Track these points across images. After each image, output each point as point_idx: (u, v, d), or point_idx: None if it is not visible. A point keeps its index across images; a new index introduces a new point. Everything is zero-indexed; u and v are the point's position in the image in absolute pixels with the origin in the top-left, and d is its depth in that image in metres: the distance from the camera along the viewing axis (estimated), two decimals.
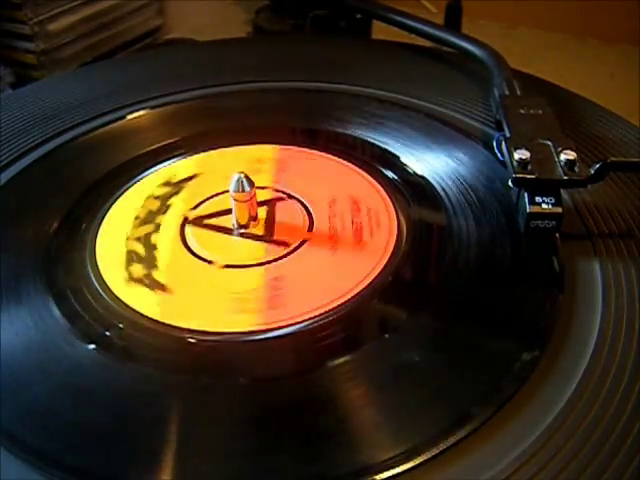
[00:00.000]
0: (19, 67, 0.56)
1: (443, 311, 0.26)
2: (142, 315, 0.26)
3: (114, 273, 0.28)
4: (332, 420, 0.22)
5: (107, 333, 0.25)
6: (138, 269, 0.28)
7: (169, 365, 0.24)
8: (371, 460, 0.21)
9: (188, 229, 0.30)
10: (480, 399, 0.22)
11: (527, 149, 0.29)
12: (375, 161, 0.34)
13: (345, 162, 0.34)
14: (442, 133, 0.36)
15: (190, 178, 0.33)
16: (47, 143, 0.37)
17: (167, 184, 0.33)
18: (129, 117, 0.39)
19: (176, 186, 0.33)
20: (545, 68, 0.46)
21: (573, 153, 0.29)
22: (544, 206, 0.28)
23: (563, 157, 0.29)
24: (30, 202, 0.32)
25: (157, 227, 0.30)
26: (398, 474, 0.20)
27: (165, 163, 0.35)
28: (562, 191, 0.29)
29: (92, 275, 0.28)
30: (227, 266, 0.28)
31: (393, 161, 0.34)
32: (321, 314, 0.25)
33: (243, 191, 0.29)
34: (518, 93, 0.36)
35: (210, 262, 0.28)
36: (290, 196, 0.32)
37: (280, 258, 0.28)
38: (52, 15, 0.56)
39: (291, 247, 0.29)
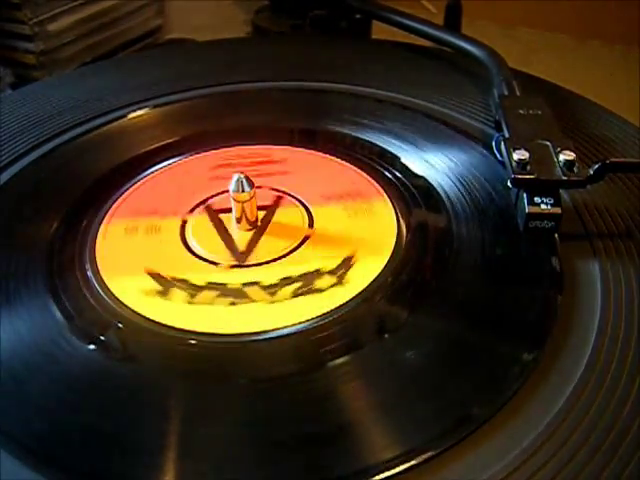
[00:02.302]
0: (19, 67, 0.56)
1: (443, 311, 0.26)
2: (142, 315, 0.26)
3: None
4: (332, 420, 0.22)
5: (107, 333, 0.25)
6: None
7: (169, 365, 0.24)
8: (371, 460, 0.21)
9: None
10: (480, 399, 0.22)
11: (526, 149, 0.29)
12: (375, 161, 0.34)
13: (345, 162, 0.34)
14: (442, 133, 0.36)
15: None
16: (47, 143, 0.37)
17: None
18: (129, 117, 0.39)
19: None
20: (545, 68, 0.46)
21: (572, 153, 0.29)
22: (543, 207, 0.28)
23: (562, 157, 0.29)
24: (30, 202, 0.32)
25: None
26: (398, 474, 0.20)
27: (165, 163, 0.35)
28: (561, 191, 0.29)
29: (92, 275, 0.28)
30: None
31: (393, 161, 0.34)
32: (321, 314, 0.25)
33: (243, 191, 0.29)
34: (517, 93, 0.36)
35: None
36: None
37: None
38: (52, 15, 0.56)
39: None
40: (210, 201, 0.32)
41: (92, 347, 0.25)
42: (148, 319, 0.26)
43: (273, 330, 0.25)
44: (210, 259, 0.28)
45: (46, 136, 0.37)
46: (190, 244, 0.29)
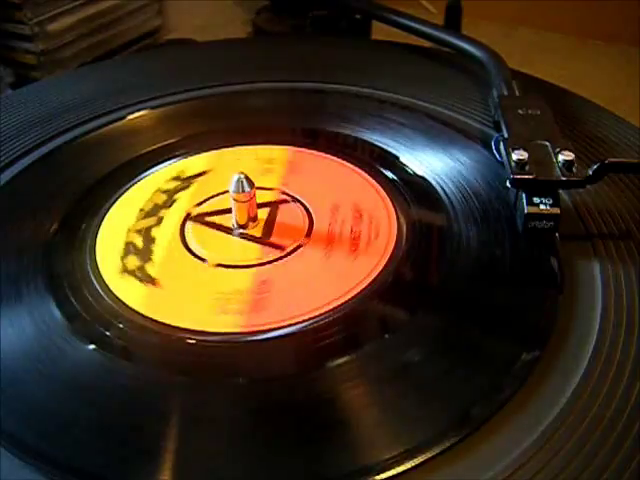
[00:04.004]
0: (19, 67, 0.56)
1: (443, 311, 0.26)
2: (142, 315, 0.26)
3: (113, 270, 0.28)
4: (332, 420, 0.22)
5: (107, 333, 0.25)
6: (133, 261, 0.28)
7: (168, 365, 0.24)
8: (371, 460, 0.21)
9: (189, 225, 0.30)
10: (480, 399, 0.22)
11: (525, 150, 0.29)
12: (375, 161, 0.34)
13: (344, 162, 0.34)
14: (442, 133, 0.36)
15: (199, 175, 0.33)
16: (47, 143, 0.37)
17: (176, 179, 0.33)
18: (129, 117, 0.39)
19: (185, 181, 0.33)
20: (545, 68, 0.46)
21: (571, 154, 0.29)
22: (542, 207, 0.28)
23: (561, 158, 0.29)
24: (30, 202, 0.32)
25: (159, 221, 0.30)
26: (398, 474, 0.20)
27: (166, 163, 0.35)
28: (561, 192, 0.29)
29: (92, 275, 0.28)
30: (221, 265, 0.28)
31: (393, 161, 0.34)
32: (321, 314, 0.25)
33: (243, 191, 0.29)
34: (517, 94, 0.36)
35: (204, 260, 0.28)
36: (289, 196, 0.32)
37: (277, 259, 0.28)
38: (52, 15, 0.56)
39: (289, 249, 0.29)
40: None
41: (92, 347, 0.25)
42: (148, 318, 0.26)
43: (273, 330, 0.25)
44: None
45: (46, 136, 0.37)
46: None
